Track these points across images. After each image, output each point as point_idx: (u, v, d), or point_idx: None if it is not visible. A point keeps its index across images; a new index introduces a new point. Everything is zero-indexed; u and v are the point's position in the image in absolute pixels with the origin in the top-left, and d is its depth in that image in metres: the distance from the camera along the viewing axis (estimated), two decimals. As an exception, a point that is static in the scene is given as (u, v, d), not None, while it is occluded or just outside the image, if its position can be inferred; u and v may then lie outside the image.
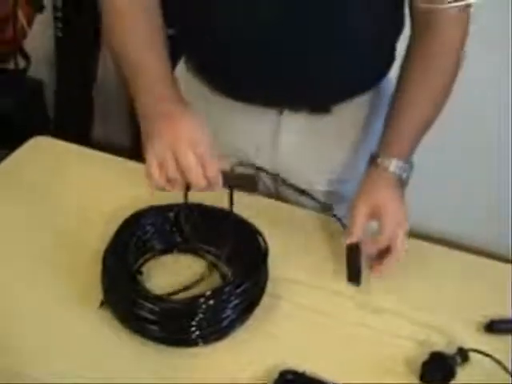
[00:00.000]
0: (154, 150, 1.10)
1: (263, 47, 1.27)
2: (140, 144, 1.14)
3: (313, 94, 1.35)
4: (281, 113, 1.39)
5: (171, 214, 1.26)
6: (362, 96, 1.41)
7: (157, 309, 1.10)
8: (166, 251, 1.26)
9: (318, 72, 1.32)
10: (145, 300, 1.11)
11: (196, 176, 1.09)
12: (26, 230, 1.31)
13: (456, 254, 1.37)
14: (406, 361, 1.14)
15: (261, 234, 1.21)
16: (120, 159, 1.51)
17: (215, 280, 1.22)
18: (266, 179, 1.49)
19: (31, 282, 1.21)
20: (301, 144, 1.44)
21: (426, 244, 1.37)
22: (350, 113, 1.42)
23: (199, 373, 1.08)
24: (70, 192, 1.41)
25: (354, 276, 1.25)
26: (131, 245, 1.21)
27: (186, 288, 1.17)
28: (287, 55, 1.27)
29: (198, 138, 1.10)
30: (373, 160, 1.30)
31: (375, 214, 1.25)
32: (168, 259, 1.25)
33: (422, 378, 1.10)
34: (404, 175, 1.28)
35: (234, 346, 1.13)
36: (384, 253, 1.25)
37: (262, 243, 1.20)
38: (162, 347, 1.11)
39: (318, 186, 1.48)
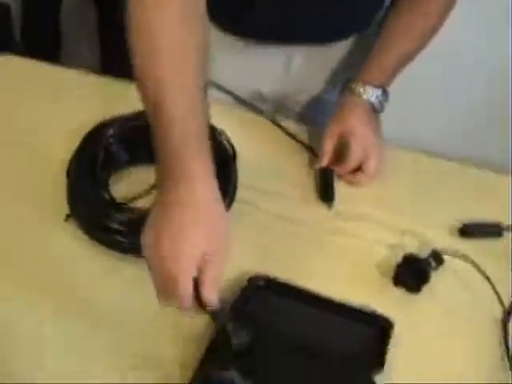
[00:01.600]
0: (159, 222, 0.89)
1: None
2: (108, 67, 1.07)
3: (323, 30, 1.34)
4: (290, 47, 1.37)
5: (136, 124, 1.19)
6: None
7: (123, 218, 1.06)
8: (131, 162, 1.21)
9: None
10: (111, 210, 1.08)
11: (185, 303, 0.88)
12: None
13: (430, 160, 1.36)
14: (379, 265, 1.12)
15: (228, 140, 1.19)
16: (89, 76, 1.46)
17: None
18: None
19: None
20: (313, 66, 1.42)
21: (400, 150, 1.34)
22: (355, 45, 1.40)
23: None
24: (37, 108, 1.36)
25: (327, 197, 1.23)
26: (96, 156, 1.16)
27: (150, 190, 1.13)
28: None
29: (212, 255, 0.87)
30: (348, 86, 1.29)
31: (345, 137, 1.25)
32: (134, 170, 1.21)
33: (395, 281, 1.08)
34: (377, 103, 1.28)
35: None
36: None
37: (229, 149, 1.18)
38: (130, 258, 1.08)
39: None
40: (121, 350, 0.97)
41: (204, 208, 0.88)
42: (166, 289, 0.86)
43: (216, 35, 1.31)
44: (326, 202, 1.22)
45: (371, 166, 1.25)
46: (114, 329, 1.00)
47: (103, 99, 1.33)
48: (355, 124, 1.25)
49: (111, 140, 1.19)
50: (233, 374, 0.86)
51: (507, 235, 1.20)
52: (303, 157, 1.31)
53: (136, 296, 1.03)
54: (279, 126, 1.34)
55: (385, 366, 0.94)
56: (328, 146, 1.26)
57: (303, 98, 1.48)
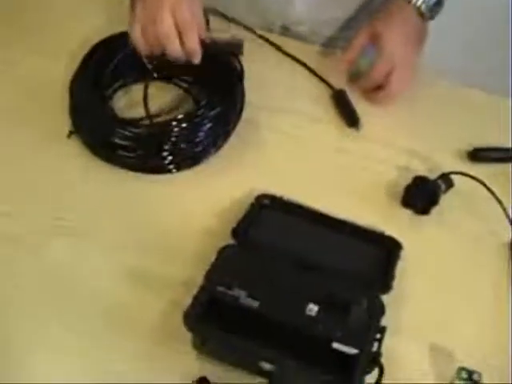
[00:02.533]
0: (137, 14, 1.05)
1: None
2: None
3: None
4: None
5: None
6: None
7: (128, 134, 1.05)
8: (138, 79, 1.18)
9: None
10: (116, 125, 1.06)
11: (172, 45, 1.04)
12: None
13: (444, 83, 1.31)
14: (387, 186, 1.11)
15: (239, 60, 1.15)
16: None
17: (190, 106, 1.16)
18: None
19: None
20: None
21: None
22: None
23: (172, 199, 1.05)
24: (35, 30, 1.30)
25: (351, 120, 1.19)
26: (100, 71, 1.14)
27: (159, 114, 1.11)
28: None
29: (182, 5, 1.03)
30: None
31: (374, 42, 1.19)
32: (140, 87, 1.16)
33: (403, 202, 1.06)
34: (424, 8, 1.19)
35: (208, 173, 1.09)
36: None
37: (238, 66, 1.14)
38: (135, 174, 1.07)
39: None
40: (126, 268, 0.95)
41: None
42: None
43: None
44: (352, 126, 1.19)
45: (393, 82, 1.18)
46: (117, 246, 0.98)
47: (100, 18, 1.29)
48: (387, 29, 1.18)
49: (118, 56, 1.15)
50: (239, 292, 0.84)
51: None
52: (310, 79, 1.27)
53: (139, 212, 1.02)
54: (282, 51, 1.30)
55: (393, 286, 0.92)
56: (356, 42, 1.20)
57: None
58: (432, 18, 1.20)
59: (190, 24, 1.04)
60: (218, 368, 0.86)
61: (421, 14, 1.19)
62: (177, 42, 1.03)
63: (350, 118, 1.19)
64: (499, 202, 1.07)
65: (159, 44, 1.04)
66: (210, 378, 0.84)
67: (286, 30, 1.39)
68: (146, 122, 1.08)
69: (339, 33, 1.41)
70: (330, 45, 1.38)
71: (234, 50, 1.10)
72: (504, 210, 1.06)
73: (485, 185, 1.08)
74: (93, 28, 1.24)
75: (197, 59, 1.06)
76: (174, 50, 1.04)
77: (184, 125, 1.05)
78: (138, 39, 1.06)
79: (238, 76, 1.13)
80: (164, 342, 0.88)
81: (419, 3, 1.18)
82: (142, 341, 0.88)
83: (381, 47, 1.17)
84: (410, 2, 1.18)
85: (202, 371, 0.85)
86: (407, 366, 0.90)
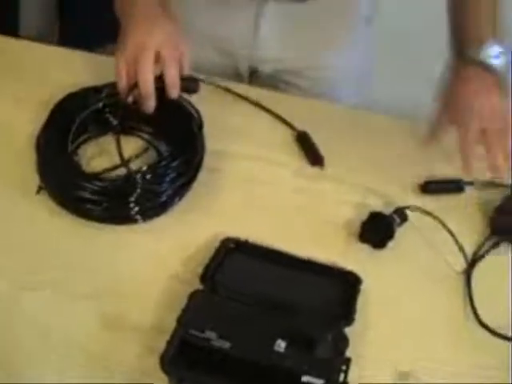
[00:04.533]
0: (122, 51, 1.11)
1: None
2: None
3: None
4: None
5: (104, 96, 1.22)
6: None
7: (94, 187, 1.09)
8: (100, 133, 1.23)
9: None
10: (83, 180, 1.10)
11: (144, 80, 1.10)
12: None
13: (388, 119, 1.38)
14: (345, 224, 1.16)
15: (196, 110, 1.20)
16: (52, 47, 1.46)
17: (153, 157, 1.21)
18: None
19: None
20: (282, 32, 1.41)
21: (359, 111, 1.38)
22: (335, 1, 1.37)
23: (140, 247, 1.10)
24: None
25: (315, 160, 1.25)
26: (65, 128, 1.18)
27: (123, 164, 1.13)
28: None
29: (169, 43, 1.11)
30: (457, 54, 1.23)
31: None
32: (103, 141, 1.23)
33: (361, 238, 1.12)
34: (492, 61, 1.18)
35: (173, 220, 1.13)
36: None
37: (197, 118, 1.19)
38: (103, 226, 1.11)
39: (301, 75, 1.49)
40: (99, 316, 0.99)
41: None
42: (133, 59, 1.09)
43: None
44: (316, 164, 1.24)
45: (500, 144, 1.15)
46: (89, 296, 1.03)
47: (64, 71, 1.33)
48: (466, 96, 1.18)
49: (81, 110, 1.19)
50: (210, 334, 0.89)
51: (469, 190, 1.24)
52: (274, 124, 1.33)
53: (108, 261, 1.07)
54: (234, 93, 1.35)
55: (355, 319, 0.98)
56: (438, 125, 1.23)
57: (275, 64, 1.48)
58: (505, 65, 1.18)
59: (170, 62, 1.10)
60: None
61: (488, 69, 1.18)
62: (150, 80, 1.09)
63: (314, 158, 1.25)
64: (450, 232, 1.12)
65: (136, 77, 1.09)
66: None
67: (253, 71, 1.46)
68: (112, 175, 1.13)
69: (305, 70, 1.48)
70: (294, 85, 1.46)
71: (189, 87, 1.14)
72: (456, 240, 1.11)
73: (436, 217, 1.14)
74: (58, 82, 1.28)
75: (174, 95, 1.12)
76: (146, 88, 1.09)
77: (148, 176, 1.09)
78: (120, 74, 1.10)
79: (198, 125, 1.18)
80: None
81: (485, 59, 1.18)
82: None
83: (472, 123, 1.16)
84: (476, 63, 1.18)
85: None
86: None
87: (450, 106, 1.22)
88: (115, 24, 1.19)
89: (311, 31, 1.42)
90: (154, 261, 1.07)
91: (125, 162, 1.12)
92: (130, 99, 1.13)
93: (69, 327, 0.98)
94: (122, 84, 1.12)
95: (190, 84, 1.15)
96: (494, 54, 1.18)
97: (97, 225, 1.11)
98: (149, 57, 1.09)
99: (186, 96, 1.18)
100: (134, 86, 1.11)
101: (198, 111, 1.20)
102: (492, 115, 1.17)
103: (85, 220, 1.11)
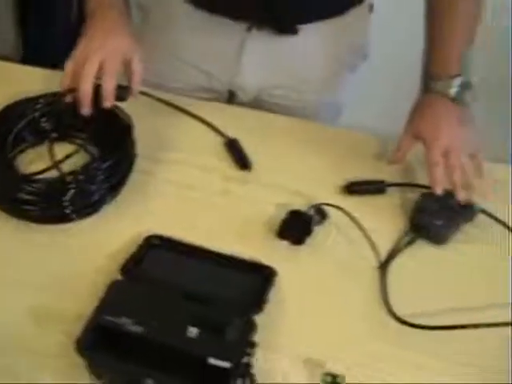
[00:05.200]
0: (76, 51, 1.21)
1: None
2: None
3: (281, 10, 1.35)
4: (248, 30, 1.40)
5: (40, 106, 1.30)
6: (332, 19, 1.41)
7: (31, 189, 1.16)
8: (37, 142, 1.31)
9: None
10: (20, 183, 1.18)
11: (83, 88, 1.18)
12: None
13: (316, 126, 1.47)
14: (267, 222, 1.22)
15: (128, 116, 1.28)
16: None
17: (86, 161, 1.27)
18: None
19: None
20: (262, 63, 1.48)
21: (288, 118, 1.46)
22: (317, 35, 1.43)
23: (72, 244, 1.17)
24: None
25: (243, 164, 1.33)
26: (4, 137, 1.26)
27: (55, 165, 1.23)
28: None
29: (111, 57, 1.20)
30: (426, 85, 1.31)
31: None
32: (41, 149, 1.30)
33: (279, 234, 1.19)
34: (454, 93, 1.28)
35: (105, 219, 1.21)
36: None
37: (128, 123, 1.27)
38: (39, 225, 1.18)
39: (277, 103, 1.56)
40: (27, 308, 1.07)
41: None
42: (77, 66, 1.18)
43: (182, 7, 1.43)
44: (245, 169, 1.33)
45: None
46: (20, 286, 1.10)
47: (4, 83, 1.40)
48: (434, 132, 1.27)
49: (18, 120, 1.27)
50: (125, 321, 0.96)
51: (391, 191, 1.31)
52: (205, 132, 1.41)
53: (41, 257, 1.15)
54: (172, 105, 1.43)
55: (271, 309, 1.06)
56: (404, 145, 1.31)
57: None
58: (469, 98, 1.28)
59: (111, 74, 1.19)
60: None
61: (456, 101, 1.27)
62: (89, 87, 1.17)
63: (242, 163, 1.32)
64: (363, 230, 1.21)
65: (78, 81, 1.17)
66: (102, 398, 0.94)
67: (232, 96, 1.54)
68: (46, 177, 1.20)
69: (282, 99, 1.56)
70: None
71: (119, 94, 1.21)
72: (368, 237, 1.20)
73: (352, 217, 1.22)
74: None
75: (108, 104, 1.20)
76: (84, 93, 1.17)
77: (80, 177, 1.17)
78: (66, 72, 1.20)
79: (128, 131, 1.26)
80: (63, 371, 0.99)
81: (453, 93, 1.27)
82: (43, 370, 0.99)
83: (434, 157, 1.24)
84: (444, 96, 1.27)
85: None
86: (284, 379, 1.02)
87: (417, 133, 1.30)
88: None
89: (291, 66, 1.50)
90: (83, 256, 1.14)
91: (56, 164, 1.20)
92: (69, 99, 1.22)
93: None
94: (64, 82, 1.21)
95: (120, 92, 1.21)
96: (460, 88, 1.29)
97: (33, 225, 1.18)
98: (92, 68, 1.18)
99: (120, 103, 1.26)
100: (73, 89, 1.19)
101: (129, 117, 1.27)
102: (459, 143, 1.26)
103: (22, 220, 1.19)
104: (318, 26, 1.39)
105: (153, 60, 1.42)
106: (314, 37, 1.41)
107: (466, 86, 1.27)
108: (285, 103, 1.55)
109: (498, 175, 1.31)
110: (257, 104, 1.53)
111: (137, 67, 1.21)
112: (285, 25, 1.38)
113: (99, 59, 1.17)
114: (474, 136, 1.26)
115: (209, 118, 1.40)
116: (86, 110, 1.19)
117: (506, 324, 1.08)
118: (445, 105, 1.27)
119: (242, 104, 1.53)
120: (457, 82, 1.27)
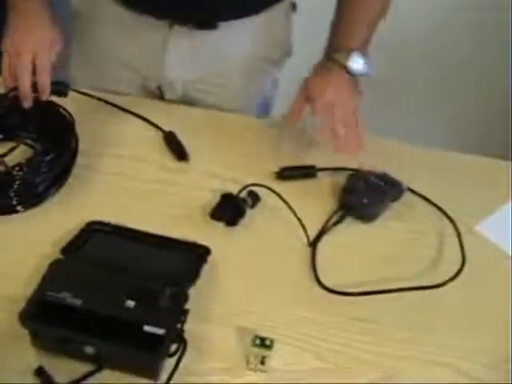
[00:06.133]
0: (5, 48, 1.31)
1: None
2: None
3: (200, 8, 1.41)
4: (170, 27, 1.45)
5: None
6: (250, 17, 1.47)
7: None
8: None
9: None
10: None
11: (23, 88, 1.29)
12: None
13: (256, 120, 1.57)
14: (204, 206, 1.30)
15: (69, 113, 1.36)
16: None
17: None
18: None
19: None
20: (186, 56, 1.54)
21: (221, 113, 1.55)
22: (237, 31, 1.48)
23: (18, 233, 1.25)
24: None
25: (181, 155, 1.42)
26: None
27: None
28: None
29: (38, 51, 1.29)
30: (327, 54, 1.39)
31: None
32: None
33: (213, 216, 1.27)
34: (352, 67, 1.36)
35: (50, 209, 1.28)
36: None
37: (69, 119, 1.36)
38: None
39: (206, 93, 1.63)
40: None
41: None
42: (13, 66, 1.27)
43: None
44: (182, 160, 1.40)
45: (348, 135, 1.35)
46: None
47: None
48: (322, 93, 1.35)
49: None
50: (65, 295, 1.04)
51: (321, 175, 1.40)
52: (144, 127, 1.49)
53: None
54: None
55: (205, 283, 1.15)
56: (296, 107, 1.38)
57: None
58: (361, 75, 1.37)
59: (44, 66, 1.28)
60: (53, 359, 1.04)
61: (350, 73, 1.36)
62: (28, 81, 1.27)
63: (179, 154, 1.40)
64: (294, 212, 1.29)
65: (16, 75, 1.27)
66: (46, 368, 1.02)
67: (162, 90, 1.61)
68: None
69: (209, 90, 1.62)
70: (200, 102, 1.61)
71: (60, 90, 1.32)
72: (298, 218, 1.28)
73: (280, 196, 1.31)
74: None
75: (44, 97, 1.30)
76: (25, 87, 1.27)
77: (25, 169, 1.25)
78: (5, 72, 1.29)
79: (69, 126, 1.34)
80: (9, 344, 1.07)
81: (349, 65, 1.35)
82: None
83: (317, 108, 1.34)
84: (340, 65, 1.36)
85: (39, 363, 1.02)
86: (219, 347, 1.10)
87: (307, 95, 1.38)
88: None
89: (212, 60, 1.56)
90: (28, 244, 1.21)
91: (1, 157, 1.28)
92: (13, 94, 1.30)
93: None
94: (8, 82, 1.31)
95: (60, 88, 1.31)
96: (357, 62, 1.37)
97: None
98: (25, 64, 1.28)
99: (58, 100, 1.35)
100: (14, 88, 1.28)
101: (70, 113, 1.35)
102: (343, 99, 1.36)
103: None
104: (237, 22, 1.44)
105: (89, 61, 1.54)
106: (233, 32, 1.46)
107: (363, 61, 1.36)
108: (211, 98, 1.61)
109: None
110: (186, 100, 1.60)
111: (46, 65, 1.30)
112: (204, 21, 1.46)
113: (31, 54, 1.26)
114: (356, 105, 1.36)
115: (145, 114, 1.49)
116: (27, 103, 1.29)
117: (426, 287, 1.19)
118: (339, 73, 1.35)
119: (172, 100, 1.60)
120: (355, 55, 1.35)
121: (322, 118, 1.33)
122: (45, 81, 1.27)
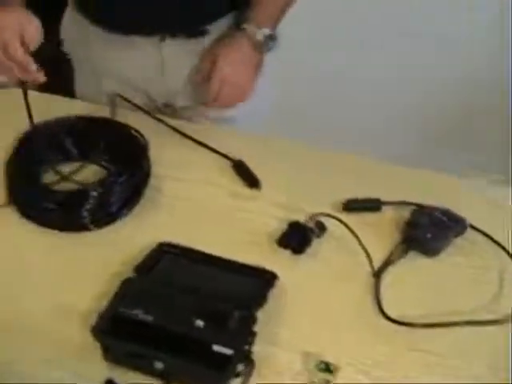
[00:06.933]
0: None
1: None
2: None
3: (188, 17, 1.47)
4: (162, 40, 1.50)
5: (59, 129, 1.44)
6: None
7: (55, 199, 1.29)
8: (60, 160, 1.43)
9: None
10: (46, 194, 1.31)
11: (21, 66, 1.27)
12: None
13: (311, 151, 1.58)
14: (269, 233, 1.33)
15: (142, 135, 1.40)
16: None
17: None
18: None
19: None
20: (184, 67, 1.59)
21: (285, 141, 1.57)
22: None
23: (92, 251, 1.28)
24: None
25: (252, 183, 1.44)
26: (30, 156, 1.39)
27: (72, 174, 1.38)
28: None
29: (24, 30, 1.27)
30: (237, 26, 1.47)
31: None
32: (63, 167, 1.43)
33: (279, 243, 1.29)
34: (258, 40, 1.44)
35: (122, 229, 1.32)
36: None
37: (142, 142, 1.39)
38: (62, 233, 1.30)
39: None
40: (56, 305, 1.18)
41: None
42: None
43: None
44: (254, 187, 1.43)
45: (221, 96, 1.47)
46: (50, 285, 1.21)
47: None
48: (223, 54, 1.45)
49: (43, 141, 1.41)
50: (137, 311, 1.07)
51: (385, 209, 1.41)
52: (212, 156, 1.52)
53: (66, 261, 1.26)
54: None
55: (272, 308, 1.17)
56: (202, 66, 1.50)
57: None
58: (267, 50, 1.47)
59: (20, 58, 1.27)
60: (123, 372, 1.07)
61: (255, 46, 1.45)
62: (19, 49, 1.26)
63: (251, 181, 1.43)
64: (361, 243, 1.30)
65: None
66: (116, 380, 1.04)
67: (168, 107, 1.66)
68: (67, 189, 1.33)
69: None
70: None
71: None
72: (364, 248, 1.29)
73: (350, 229, 1.32)
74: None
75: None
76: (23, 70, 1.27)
77: (99, 189, 1.28)
78: None
79: (142, 149, 1.38)
80: (81, 356, 1.10)
81: (256, 40, 1.44)
82: (68, 356, 1.11)
83: (215, 68, 1.43)
84: (246, 36, 1.44)
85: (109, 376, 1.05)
86: (284, 370, 1.12)
87: (212, 55, 1.46)
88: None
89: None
90: (99, 261, 1.24)
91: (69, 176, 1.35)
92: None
93: (32, 310, 1.17)
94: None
95: None
96: (264, 37, 1.45)
97: (56, 232, 1.30)
98: (11, 39, 1.26)
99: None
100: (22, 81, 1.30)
101: (143, 136, 1.40)
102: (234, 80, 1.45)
103: (46, 228, 1.30)
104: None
105: (91, 82, 1.61)
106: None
107: (270, 40, 1.45)
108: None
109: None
110: (188, 111, 1.66)
111: (32, 36, 1.28)
112: (194, 28, 1.50)
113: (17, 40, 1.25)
114: (252, 79, 1.47)
115: (215, 142, 1.53)
116: (33, 69, 1.29)
117: (492, 322, 1.19)
118: (246, 43, 1.44)
119: (180, 116, 1.65)
120: (264, 32, 1.44)
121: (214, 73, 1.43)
122: (26, 63, 1.27)
